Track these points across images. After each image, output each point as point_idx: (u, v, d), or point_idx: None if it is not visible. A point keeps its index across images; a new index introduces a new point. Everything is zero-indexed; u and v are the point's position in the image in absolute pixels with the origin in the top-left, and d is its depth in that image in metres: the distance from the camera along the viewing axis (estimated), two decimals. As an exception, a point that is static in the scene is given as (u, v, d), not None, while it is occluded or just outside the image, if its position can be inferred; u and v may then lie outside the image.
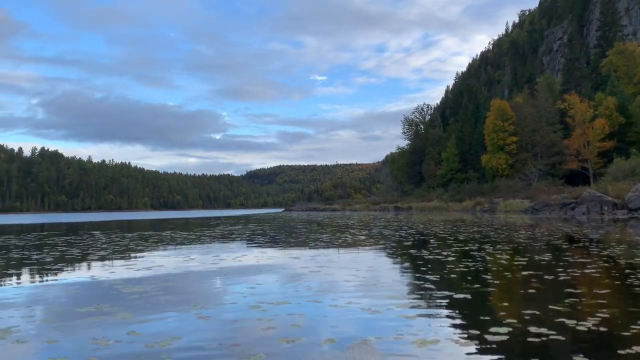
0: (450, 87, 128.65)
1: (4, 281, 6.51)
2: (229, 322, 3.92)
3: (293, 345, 3.24)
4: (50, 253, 10.26)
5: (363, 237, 13.40)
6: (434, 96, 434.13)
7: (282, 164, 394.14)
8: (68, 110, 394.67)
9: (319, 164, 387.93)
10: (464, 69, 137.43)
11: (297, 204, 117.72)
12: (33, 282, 6.33)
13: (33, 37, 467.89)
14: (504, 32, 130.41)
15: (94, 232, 19.50)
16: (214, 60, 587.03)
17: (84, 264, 8.37)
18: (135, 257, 9.28)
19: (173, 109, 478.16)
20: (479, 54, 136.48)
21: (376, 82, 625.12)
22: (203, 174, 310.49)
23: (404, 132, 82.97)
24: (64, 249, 11.38)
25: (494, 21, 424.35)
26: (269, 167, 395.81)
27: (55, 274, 7.02)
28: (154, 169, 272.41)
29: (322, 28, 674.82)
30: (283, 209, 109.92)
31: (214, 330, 3.69)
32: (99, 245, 12.42)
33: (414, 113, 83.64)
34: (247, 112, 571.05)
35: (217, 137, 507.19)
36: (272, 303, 4.60)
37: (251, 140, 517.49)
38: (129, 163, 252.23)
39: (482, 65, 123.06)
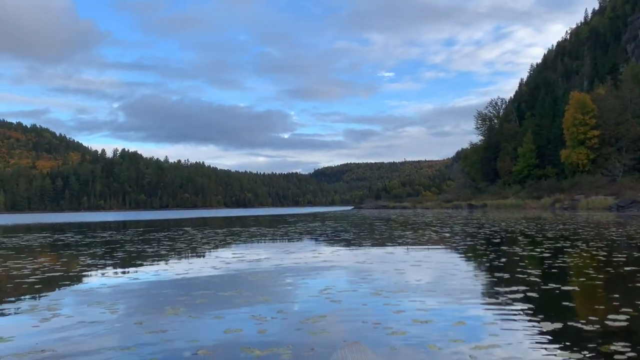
0: (525, 79, 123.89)
1: (140, 270, 7.38)
2: (360, 304, 4.42)
3: (427, 324, 3.67)
4: (160, 247, 11.29)
5: (447, 235, 13.60)
6: (507, 89, 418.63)
7: (349, 162, 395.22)
8: (146, 113, 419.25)
9: (386, 161, 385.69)
10: (539, 61, 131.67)
11: (366, 201, 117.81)
12: (166, 271, 7.15)
13: (115, 44, 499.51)
14: (582, 20, 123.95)
15: (186, 228, 20.84)
16: (282, 61, 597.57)
17: (197, 256, 9.22)
18: (239, 251, 10.06)
19: (243, 110, 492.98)
20: (555, 44, 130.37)
21: (445, 77, 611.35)
22: (272, 172, 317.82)
23: (477, 128, 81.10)
24: (170, 243, 12.44)
25: (571, 9, 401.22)
26: (336, 165, 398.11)
27: (179, 264, 7.86)
28: (226, 168, 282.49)
29: (389, 24, 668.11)
30: (352, 207, 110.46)
31: (351, 310, 4.20)
32: (198, 239, 13.43)
33: (487, 108, 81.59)
34: (314, 111, 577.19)
35: (286, 136, 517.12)
36: (390, 291, 5.06)
37: (318, 139, 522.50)
38: (203, 163, 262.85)
39: (559, 56, 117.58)
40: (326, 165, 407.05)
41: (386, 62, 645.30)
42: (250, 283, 5.75)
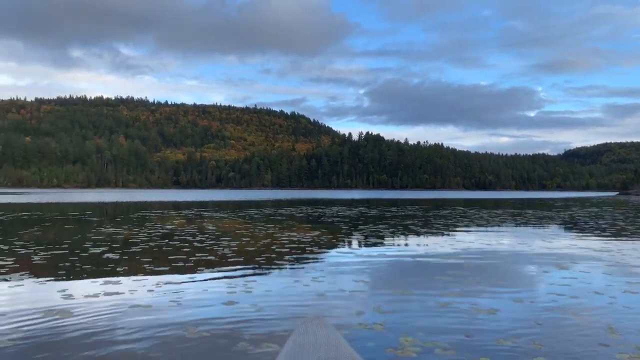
0: None
1: (474, 238, 8.40)
2: None
3: None
4: (471, 223, 12.36)
5: None
6: None
7: (608, 142, 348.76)
8: (389, 97, 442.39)
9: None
10: None
11: (633, 187, 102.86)
12: (488, 244, 8.05)
13: (362, 34, 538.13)
14: None
15: (458, 208, 21.83)
16: (529, 35, 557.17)
17: (515, 233, 9.91)
18: (575, 234, 10.47)
19: (485, 88, 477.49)
20: None
21: None
22: (516, 153, 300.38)
23: None
24: (467, 220, 13.46)
25: None
26: (591, 145, 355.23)
27: (498, 238, 8.68)
28: (465, 149, 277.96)
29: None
30: (617, 193, 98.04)
31: None
32: (492, 218, 14.19)
33: None
34: (566, 86, 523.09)
35: (532, 114, 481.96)
36: None
37: (570, 117, 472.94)
38: (442, 144, 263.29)
39: None
40: (579, 145, 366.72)
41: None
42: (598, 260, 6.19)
